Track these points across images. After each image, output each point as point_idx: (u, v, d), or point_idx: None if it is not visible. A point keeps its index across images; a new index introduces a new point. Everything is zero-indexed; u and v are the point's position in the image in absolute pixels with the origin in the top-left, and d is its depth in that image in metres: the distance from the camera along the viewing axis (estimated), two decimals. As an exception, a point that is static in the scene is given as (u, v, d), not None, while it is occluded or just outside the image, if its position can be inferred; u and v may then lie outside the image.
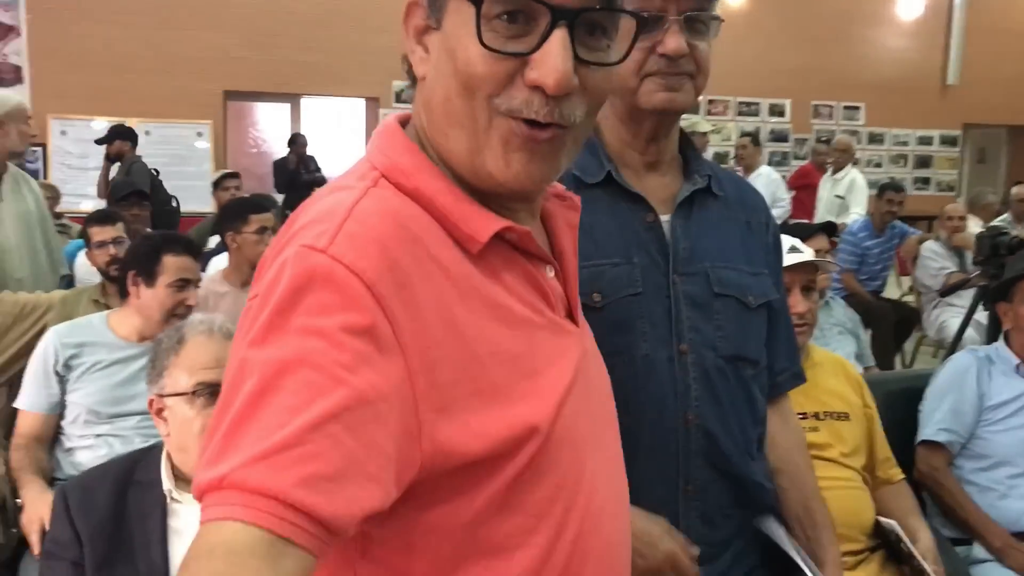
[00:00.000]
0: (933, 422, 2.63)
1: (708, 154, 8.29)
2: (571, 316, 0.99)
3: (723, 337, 1.41)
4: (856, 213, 6.98)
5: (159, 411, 1.79)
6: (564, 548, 0.89)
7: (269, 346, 0.75)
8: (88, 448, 2.69)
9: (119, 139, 6.66)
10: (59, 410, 2.75)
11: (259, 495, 0.69)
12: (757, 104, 11.57)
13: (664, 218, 1.42)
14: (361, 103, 10.05)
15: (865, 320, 6.21)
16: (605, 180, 1.41)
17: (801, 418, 2.32)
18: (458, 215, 0.88)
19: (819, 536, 1.57)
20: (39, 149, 8.80)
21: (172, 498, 1.75)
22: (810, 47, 11.38)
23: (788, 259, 2.37)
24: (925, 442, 2.63)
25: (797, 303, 2.35)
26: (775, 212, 7.17)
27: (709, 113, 11.36)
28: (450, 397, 0.81)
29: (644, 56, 1.33)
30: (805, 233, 3.50)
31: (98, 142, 6.59)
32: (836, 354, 2.66)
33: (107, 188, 6.66)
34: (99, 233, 3.60)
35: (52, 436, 2.75)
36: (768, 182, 7.22)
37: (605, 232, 1.38)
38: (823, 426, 2.34)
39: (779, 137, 11.68)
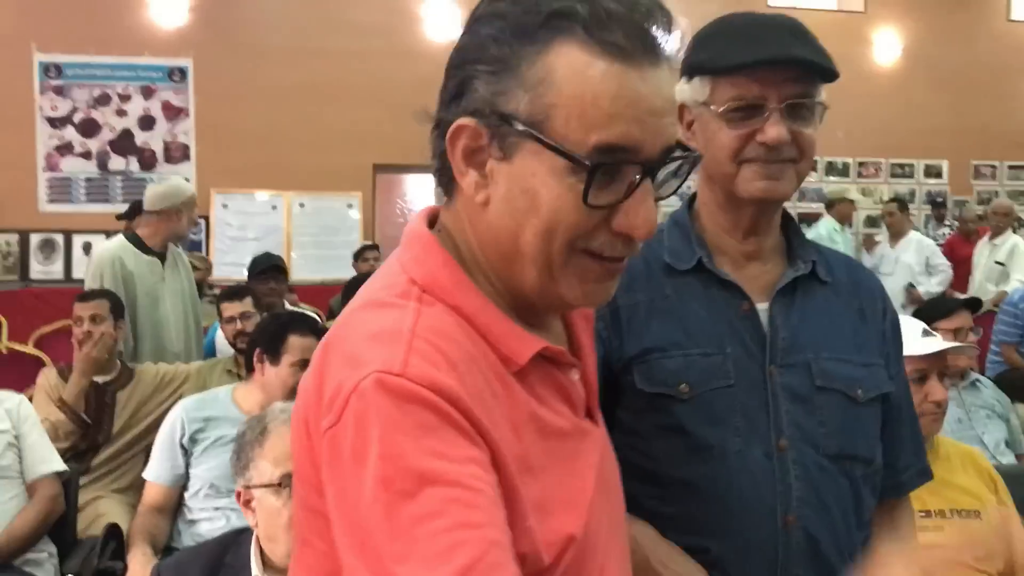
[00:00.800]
0: (1081, 524, 2.38)
1: (859, 218, 7.96)
2: (590, 413, 1.02)
3: (827, 434, 1.31)
4: (1017, 281, 6.54)
5: (247, 502, 1.83)
6: None
7: (392, 475, 0.77)
8: (208, 520, 2.79)
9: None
10: (182, 482, 2.86)
11: None
12: (911, 165, 11.10)
13: (761, 306, 1.35)
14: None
15: (1028, 397, 5.78)
16: (697, 267, 1.36)
17: (924, 516, 2.16)
18: (497, 334, 0.91)
19: None
20: (202, 221, 9.38)
21: (260, 584, 1.78)
22: (968, 104, 10.86)
23: (923, 346, 2.24)
24: (1077, 546, 2.39)
25: (936, 391, 2.21)
26: (935, 279, 6.80)
27: (860, 176, 10.97)
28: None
29: (742, 144, 1.29)
30: (945, 310, 3.29)
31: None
32: (966, 445, 2.47)
33: None
34: (228, 308, 3.80)
35: (174, 507, 2.86)
36: (919, 248, 6.86)
37: (697, 321, 1.32)
38: (950, 525, 2.17)
39: (935, 199, 11.15)
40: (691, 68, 1.32)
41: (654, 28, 0.87)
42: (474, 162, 0.92)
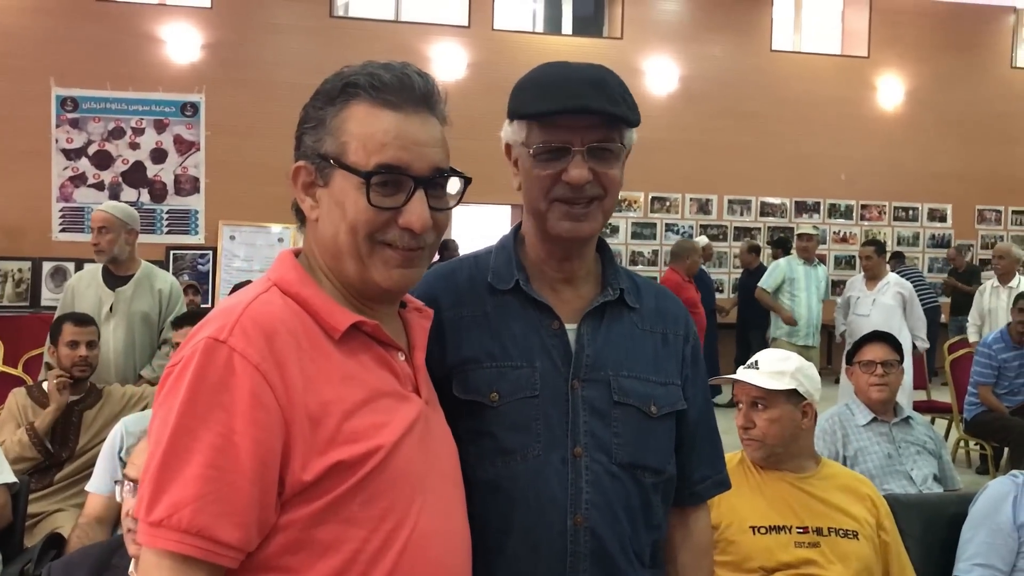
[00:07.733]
0: (966, 556, 2.44)
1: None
2: (419, 391, 1.30)
3: (620, 444, 1.44)
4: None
5: None
6: (391, 556, 1.17)
7: (186, 415, 1.09)
8: (143, 531, 2.91)
9: None
10: (121, 494, 2.98)
11: (188, 533, 1.07)
12: (916, 209, 11.14)
13: (571, 326, 1.48)
14: (507, 209, 10.41)
15: (1003, 438, 5.78)
16: (515, 288, 1.49)
17: (800, 532, 2.25)
18: (324, 312, 1.22)
19: None
20: (209, 252, 9.61)
21: (137, 581, 1.88)
22: (974, 150, 10.91)
23: (739, 375, 2.42)
24: (960, 576, 2.45)
25: (739, 417, 2.42)
26: (920, 335, 6.75)
27: (863, 219, 11.01)
28: (313, 441, 1.14)
29: (551, 183, 1.42)
30: (864, 340, 3.42)
31: None
32: (854, 472, 2.54)
33: None
34: (177, 336, 3.83)
35: (114, 518, 2.97)
36: (898, 290, 6.88)
37: (511, 337, 1.46)
38: (825, 542, 2.25)
39: (940, 243, 11.16)
40: (511, 113, 1.47)
41: (417, 87, 1.25)
42: (309, 192, 1.27)
